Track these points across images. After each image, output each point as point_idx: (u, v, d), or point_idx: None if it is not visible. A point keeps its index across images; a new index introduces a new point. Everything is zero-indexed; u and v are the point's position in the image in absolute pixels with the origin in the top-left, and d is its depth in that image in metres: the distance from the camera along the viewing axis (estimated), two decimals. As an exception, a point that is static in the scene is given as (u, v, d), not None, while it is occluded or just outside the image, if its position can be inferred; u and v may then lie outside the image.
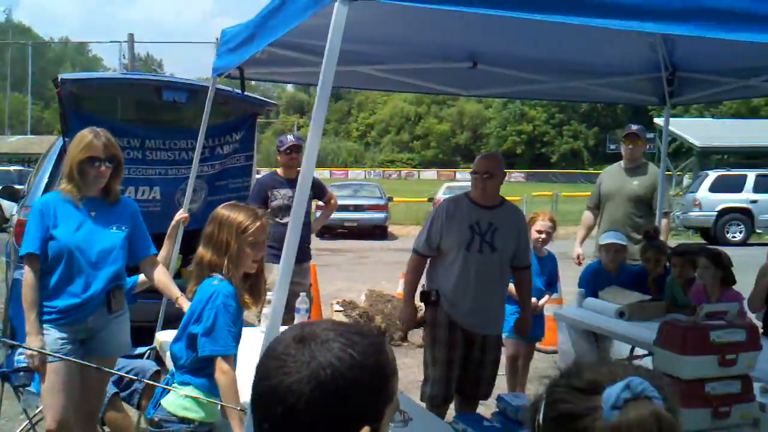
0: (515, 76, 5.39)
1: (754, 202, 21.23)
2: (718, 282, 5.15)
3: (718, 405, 3.30)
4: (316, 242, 20.05)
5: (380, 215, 22.05)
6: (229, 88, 5.76)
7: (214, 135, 6.75)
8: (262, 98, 7.65)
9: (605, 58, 5.24)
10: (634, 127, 6.58)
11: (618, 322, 5.20)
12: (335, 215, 20.54)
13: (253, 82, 8.90)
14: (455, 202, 4.90)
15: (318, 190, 6.83)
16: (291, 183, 6.25)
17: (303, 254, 6.59)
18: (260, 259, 3.26)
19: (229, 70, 4.78)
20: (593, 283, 5.85)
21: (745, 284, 5.19)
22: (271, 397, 1.22)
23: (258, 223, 3.18)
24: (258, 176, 7.34)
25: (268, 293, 3.29)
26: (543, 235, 5.90)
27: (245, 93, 5.69)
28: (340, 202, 20.99)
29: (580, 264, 6.57)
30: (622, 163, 6.64)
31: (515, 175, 65.24)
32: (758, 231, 21.66)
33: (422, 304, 5.03)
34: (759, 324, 5.03)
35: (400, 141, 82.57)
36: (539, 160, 71.27)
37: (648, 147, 14.37)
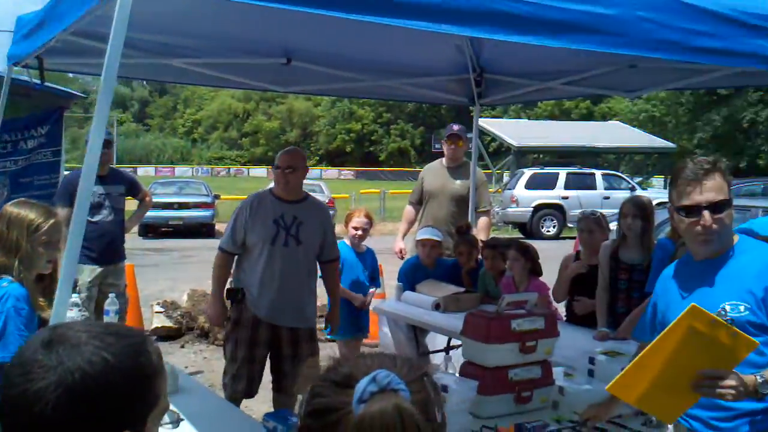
0: (331, 73, 5.42)
1: (565, 198, 22.56)
2: (526, 273, 5.42)
3: (521, 390, 3.44)
4: (139, 242, 19.30)
5: (206, 213, 21.55)
6: (27, 78, 5.40)
7: (16, 129, 6.31)
8: (69, 90, 7.25)
9: (417, 59, 5.37)
10: (455, 128, 6.70)
11: (434, 314, 5.36)
12: (159, 213, 20.14)
13: (70, 74, 8.39)
14: (258, 198, 4.92)
15: (131, 187, 6.58)
16: (101, 180, 5.95)
17: (116, 254, 6.34)
18: (55, 260, 3.07)
19: (25, 59, 4.47)
20: (411, 277, 5.99)
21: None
22: (17, 405, 1.14)
23: (51, 221, 2.99)
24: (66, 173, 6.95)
25: (74, 296, 3.12)
26: (359, 232, 5.97)
27: (46, 84, 5.34)
28: (165, 199, 20.60)
29: (402, 258, 6.70)
30: (443, 161, 6.73)
31: (345, 173, 65.90)
32: (570, 225, 23.09)
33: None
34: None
35: (229, 138, 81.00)
36: (368, 158, 72.37)
37: (470, 147, 14.93)
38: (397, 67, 5.62)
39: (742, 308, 2.45)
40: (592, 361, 3.81)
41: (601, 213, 5.46)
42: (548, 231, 22.37)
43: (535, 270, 5.47)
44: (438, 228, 6.18)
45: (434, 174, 6.73)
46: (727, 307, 2.48)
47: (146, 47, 4.68)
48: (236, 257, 4.91)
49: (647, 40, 2.39)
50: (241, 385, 4.82)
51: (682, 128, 46.08)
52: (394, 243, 6.94)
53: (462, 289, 5.67)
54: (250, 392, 4.88)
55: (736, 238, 2.66)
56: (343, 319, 5.96)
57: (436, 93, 6.40)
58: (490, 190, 27.37)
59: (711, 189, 2.50)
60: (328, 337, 6.33)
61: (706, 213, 2.49)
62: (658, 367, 2.23)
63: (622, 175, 26.14)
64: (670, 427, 2.92)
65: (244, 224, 4.79)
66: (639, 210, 4.84)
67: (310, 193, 5.16)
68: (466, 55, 5.46)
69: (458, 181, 6.55)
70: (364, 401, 1.14)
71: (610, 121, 42.53)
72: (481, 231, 6.55)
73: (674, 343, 2.21)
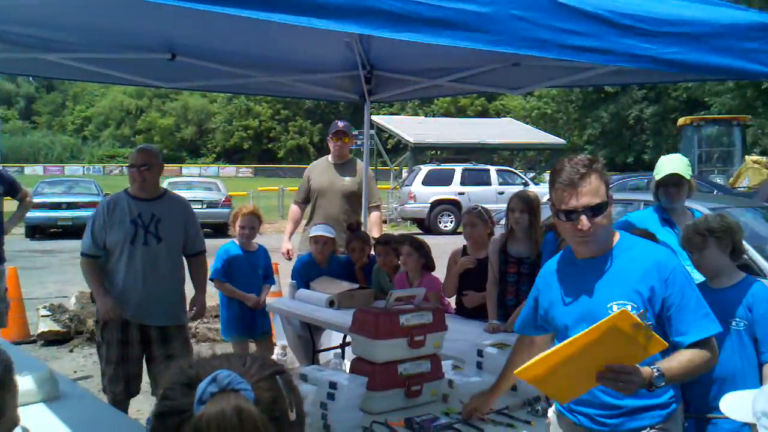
0: (219, 69, 5.31)
1: (461, 194, 22.94)
2: (419, 268, 5.48)
3: (411, 384, 3.46)
4: (26, 243, 18.49)
5: (97, 213, 20.80)
6: None
7: None
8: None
9: (307, 55, 5.33)
10: (340, 124, 6.68)
11: (328, 311, 5.35)
12: (47, 214, 19.35)
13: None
14: (114, 199, 4.88)
15: (10, 187, 6.32)
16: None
17: (-5, 256, 6.09)
18: None
19: None
20: (305, 274, 5.96)
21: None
22: None
23: None
24: None
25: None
26: (246, 230, 5.89)
27: None
28: (53, 199, 19.76)
29: (290, 259, 6.63)
30: (329, 158, 6.71)
31: (243, 171, 65.04)
32: (466, 221, 23.49)
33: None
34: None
35: (121, 135, 78.41)
36: (266, 156, 71.66)
37: (358, 143, 14.96)
38: (288, 64, 5.57)
39: (629, 308, 2.46)
40: (480, 353, 3.87)
41: (483, 207, 5.57)
42: (446, 226, 22.71)
43: (429, 265, 5.54)
44: (331, 225, 6.17)
45: (321, 171, 6.69)
46: (615, 307, 2.49)
47: (23, 41, 4.49)
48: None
49: (522, 38, 2.44)
50: (119, 387, 4.78)
51: (573, 125, 47.78)
52: (281, 244, 6.86)
53: (356, 286, 5.68)
54: (130, 393, 4.84)
55: (617, 235, 2.70)
56: (235, 319, 5.88)
57: (328, 90, 6.37)
58: (389, 186, 27.46)
59: (587, 193, 2.52)
60: (225, 339, 6.22)
61: (583, 218, 2.53)
62: (569, 356, 2.27)
63: (516, 171, 26.81)
64: (553, 418, 2.99)
65: (102, 227, 4.75)
66: (525, 204, 4.96)
67: (169, 190, 5.16)
68: (355, 52, 5.46)
69: (347, 178, 6.55)
70: (203, 402, 1.12)
71: (503, 118, 43.59)
72: (373, 226, 6.58)
73: (593, 337, 2.24)
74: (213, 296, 5.21)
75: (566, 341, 2.29)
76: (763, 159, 19.51)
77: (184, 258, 5.05)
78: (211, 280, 5.80)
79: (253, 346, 6.07)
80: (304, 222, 6.77)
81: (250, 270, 5.94)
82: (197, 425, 1.11)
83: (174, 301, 4.93)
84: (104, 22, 4.17)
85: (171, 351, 4.80)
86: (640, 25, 2.69)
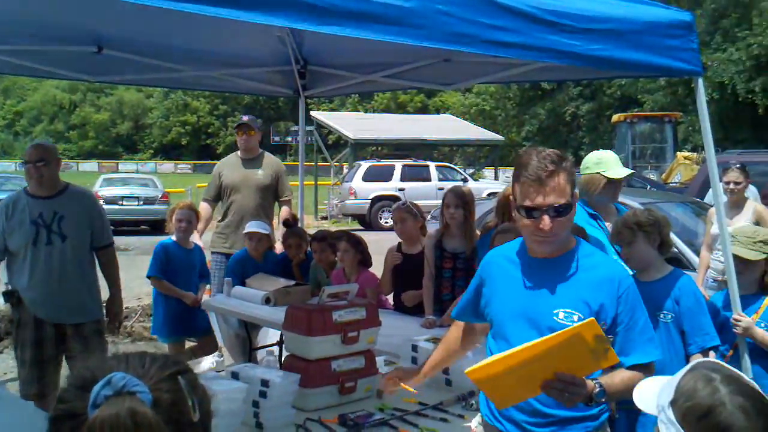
0: (148, 63, 5.21)
1: (401, 190, 22.97)
2: (356, 264, 5.47)
3: (344, 381, 3.45)
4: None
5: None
6: None
7: None
8: None
9: (239, 49, 5.28)
10: (245, 118, 6.65)
11: (265, 309, 5.30)
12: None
13: None
14: (13, 200, 4.72)
15: None
16: None
17: None
18: None
19: None
20: (240, 270, 5.90)
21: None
22: None
23: None
24: None
25: None
26: (183, 224, 5.80)
27: None
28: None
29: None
30: (239, 153, 6.64)
31: (181, 167, 64.09)
32: (406, 216, 23.58)
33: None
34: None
35: (55, 131, 76.32)
36: (205, 152, 70.72)
37: (308, 140, 14.72)
38: (220, 58, 5.50)
39: (575, 317, 2.40)
40: (415, 348, 3.87)
41: (411, 202, 5.61)
42: (386, 222, 22.71)
43: (365, 261, 5.54)
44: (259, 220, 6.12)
45: (232, 167, 6.61)
46: (561, 314, 2.43)
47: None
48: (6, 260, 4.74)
49: (446, 33, 2.44)
50: (33, 389, 4.63)
51: (511, 121, 48.35)
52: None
53: (292, 282, 5.65)
54: (44, 395, 4.65)
55: (573, 241, 2.60)
56: (173, 318, 5.78)
57: (262, 85, 6.31)
58: (329, 182, 27.34)
59: (553, 191, 2.38)
60: (159, 339, 6.08)
61: (545, 217, 2.39)
62: (526, 360, 2.18)
63: (456, 167, 27.00)
64: (479, 430, 2.95)
65: (1, 231, 4.63)
66: (460, 200, 4.99)
67: (72, 183, 4.96)
68: (288, 47, 5.41)
69: (260, 171, 6.49)
70: (97, 406, 1.08)
71: (443, 115, 43.86)
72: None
73: (555, 343, 2.17)
74: (148, 295, 5.09)
75: (527, 344, 2.19)
76: (694, 155, 20.01)
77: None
78: (148, 277, 5.71)
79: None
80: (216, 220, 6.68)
81: (187, 268, 5.85)
82: (91, 429, 1.07)
83: (86, 297, 4.80)
84: (25, 13, 4.04)
85: (88, 348, 4.66)
86: (565, 21, 2.72)
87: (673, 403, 1.53)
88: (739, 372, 1.57)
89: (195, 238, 6.48)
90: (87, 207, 4.84)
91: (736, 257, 3.78)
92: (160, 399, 1.12)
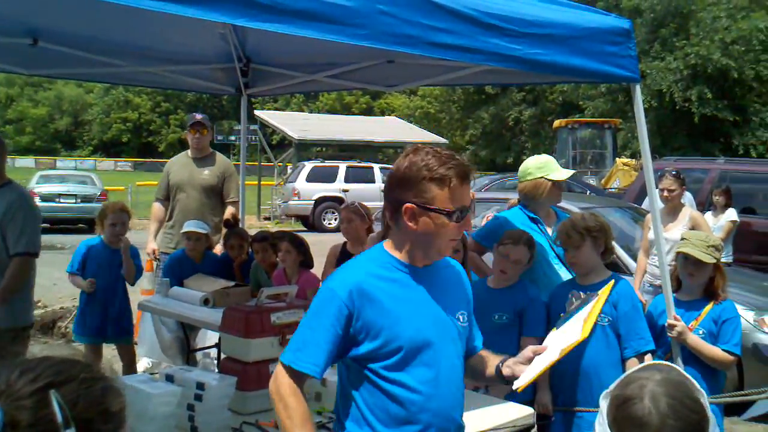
0: (86, 57, 5.06)
1: (345, 191, 22.97)
2: (297, 266, 5.42)
3: (283, 384, 3.42)
4: None
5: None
6: None
7: None
8: None
9: (180, 45, 5.20)
10: (198, 117, 6.53)
11: (204, 310, 5.20)
12: None
13: None
14: None
15: None
16: None
17: None
18: None
19: None
20: (178, 271, 5.78)
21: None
22: None
23: None
24: None
25: None
26: (118, 227, 5.67)
27: None
28: None
29: (156, 259, 6.42)
30: (189, 152, 6.54)
31: (122, 165, 62.94)
32: (350, 218, 23.54)
33: None
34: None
35: (-9, 126, 74.43)
36: (147, 149, 69.56)
37: (251, 139, 14.50)
38: (161, 54, 5.40)
39: (463, 318, 2.44)
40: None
41: (360, 203, 5.60)
42: (330, 223, 22.69)
43: (307, 263, 5.49)
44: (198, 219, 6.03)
45: (181, 166, 6.50)
46: (461, 317, 2.43)
47: None
48: None
49: (387, 33, 2.43)
50: None
51: (455, 125, 48.78)
52: (146, 244, 6.53)
53: (232, 283, 5.57)
54: None
55: None
56: (87, 319, 5.65)
57: (204, 82, 6.22)
58: (273, 183, 27.06)
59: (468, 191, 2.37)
60: (75, 338, 5.90)
61: (469, 216, 2.45)
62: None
63: (400, 169, 26.97)
64: None
65: None
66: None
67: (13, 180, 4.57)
68: (230, 44, 5.34)
69: (206, 171, 6.38)
70: None
71: (388, 117, 44.01)
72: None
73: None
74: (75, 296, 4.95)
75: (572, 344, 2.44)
76: (633, 161, 20.45)
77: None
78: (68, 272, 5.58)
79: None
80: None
81: (112, 268, 5.70)
82: None
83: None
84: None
85: (5, 354, 4.44)
86: (507, 25, 2.74)
87: (608, 394, 1.55)
88: (690, 379, 1.56)
89: (149, 240, 6.41)
90: (4, 208, 4.41)
91: (689, 258, 3.84)
92: (15, 418, 1.05)
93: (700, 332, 3.84)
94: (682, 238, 4.02)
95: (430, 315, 2.34)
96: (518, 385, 2.37)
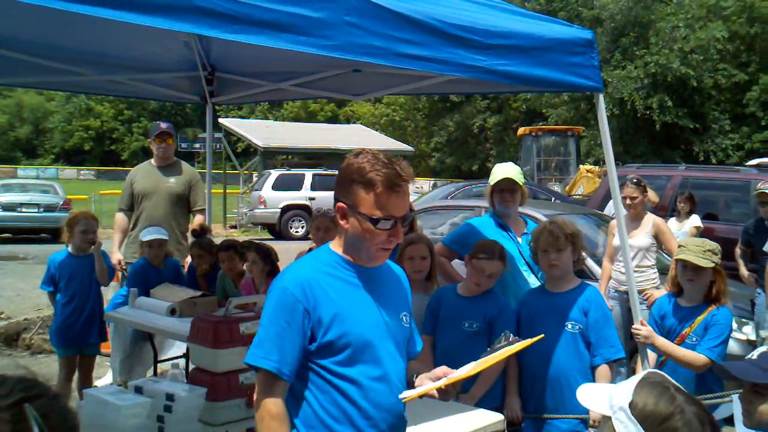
0: (44, 65, 4.99)
1: (312, 199, 22.87)
2: (265, 275, 5.40)
3: (252, 394, 3.40)
4: None
5: None
6: None
7: None
8: None
9: (144, 54, 5.16)
10: (163, 126, 6.46)
11: (170, 320, 5.15)
12: None
13: None
14: None
15: None
16: None
17: None
18: None
19: None
20: (142, 278, 5.71)
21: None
22: None
23: None
24: None
25: None
26: (90, 235, 5.60)
27: None
28: None
29: (123, 269, 6.34)
30: (153, 161, 6.49)
31: (84, 173, 62.12)
32: (317, 225, 23.44)
33: None
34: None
35: (-52, 134, 72.95)
36: (110, 158, 68.75)
37: (216, 147, 14.35)
38: (124, 62, 5.35)
39: (406, 319, 2.47)
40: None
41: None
42: (297, 232, 22.59)
43: (274, 272, 5.46)
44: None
45: (145, 174, 6.44)
46: (405, 318, 2.46)
47: None
48: None
49: (354, 44, 2.44)
50: None
51: (421, 132, 48.99)
52: (111, 255, 6.37)
53: (199, 293, 5.52)
54: None
55: None
56: (61, 331, 5.58)
57: (168, 90, 6.19)
58: (238, 191, 26.83)
59: (406, 201, 2.35)
60: (58, 353, 5.83)
61: (399, 227, 2.33)
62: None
63: (366, 177, 26.96)
64: None
65: None
66: None
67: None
68: (195, 52, 5.32)
69: (172, 179, 6.34)
70: None
71: (354, 124, 44.01)
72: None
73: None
74: (49, 306, 4.87)
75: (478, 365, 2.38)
76: (596, 168, 20.71)
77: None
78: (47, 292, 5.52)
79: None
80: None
81: (85, 276, 5.64)
82: None
83: None
84: None
85: None
86: (471, 36, 2.77)
87: (632, 405, 1.63)
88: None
89: (113, 251, 6.28)
90: None
91: (687, 265, 3.87)
92: None
93: (693, 339, 3.86)
94: (680, 246, 4.06)
95: (376, 313, 2.36)
96: (403, 395, 2.34)
